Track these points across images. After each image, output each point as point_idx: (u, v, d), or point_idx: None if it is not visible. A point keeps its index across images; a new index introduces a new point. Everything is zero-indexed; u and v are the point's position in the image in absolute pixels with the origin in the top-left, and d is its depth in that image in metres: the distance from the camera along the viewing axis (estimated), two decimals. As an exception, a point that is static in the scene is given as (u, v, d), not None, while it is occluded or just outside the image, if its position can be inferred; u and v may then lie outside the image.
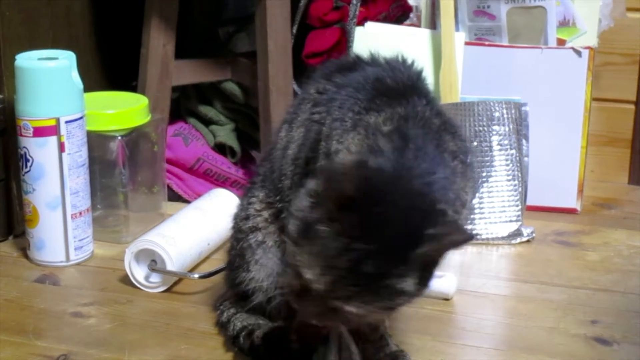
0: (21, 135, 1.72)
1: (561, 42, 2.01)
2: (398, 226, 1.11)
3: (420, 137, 1.20)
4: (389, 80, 1.30)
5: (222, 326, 1.50)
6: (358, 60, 1.41)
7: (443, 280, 1.61)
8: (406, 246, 1.11)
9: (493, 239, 1.89)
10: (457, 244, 1.13)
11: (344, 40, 2.02)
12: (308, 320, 1.20)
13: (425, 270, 1.14)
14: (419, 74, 1.35)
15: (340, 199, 1.10)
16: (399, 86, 1.29)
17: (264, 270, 1.40)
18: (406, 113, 1.24)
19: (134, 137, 1.86)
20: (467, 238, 1.12)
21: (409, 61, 1.37)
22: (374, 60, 1.39)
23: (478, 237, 1.88)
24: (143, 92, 2.01)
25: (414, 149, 1.18)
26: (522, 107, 1.92)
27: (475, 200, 1.88)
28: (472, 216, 1.88)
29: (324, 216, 1.11)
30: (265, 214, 1.42)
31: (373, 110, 1.25)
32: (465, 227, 1.18)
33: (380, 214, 1.11)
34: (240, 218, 1.46)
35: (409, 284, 1.12)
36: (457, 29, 1.98)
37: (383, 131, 1.21)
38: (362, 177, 1.11)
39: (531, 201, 1.96)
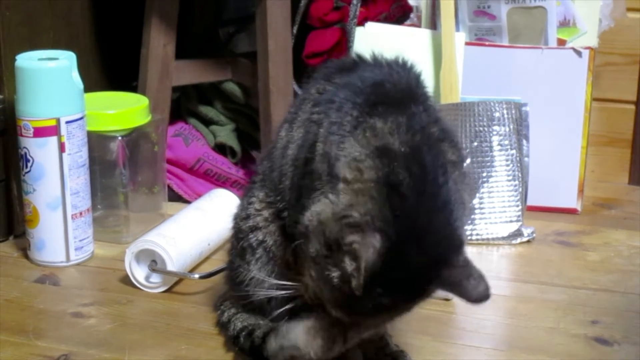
0: (21, 135, 1.73)
1: (561, 43, 2.01)
2: (417, 268, 1.17)
3: (431, 160, 1.20)
4: (388, 85, 1.29)
5: (222, 326, 1.50)
6: (359, 60, 1.40)
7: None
8: (422, 285, 1.20)
9: (493, 239, 1.89)
10: (473, 299, 1.19)
11: (345, 40, 2.03)
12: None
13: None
14: (417, 78, 1.35)
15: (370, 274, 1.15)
16: (397, 92, 1.28)
17: (264, 269, 1.40)
18: (410, 123, 1.22)
19: (134, 138, 1.86)
20: (482, 297, 1.19)
21: (409, 64, 1.37)
22: (375, 61, 1.39)
23: (479, 237, 1.88)
24: (143, 93, 2.01)
25: (430, 176, 1.19)
26: (522, 107, 1.92)
27: (475, 201, 1.88)
28: (471, 217, 1.88)
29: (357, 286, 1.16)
30: (265, 213, 1.42)
31: (376, 116, 1.24)
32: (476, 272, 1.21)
33: (401, 261, 1.16)
34: (241, 218, 1.46)
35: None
36: (457, 29, 1.98)
37: (394, 150, 1.20)
38: (376, 248, 1.14)
39: (531, 201, 1.96)
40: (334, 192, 1.19)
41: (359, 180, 1.18)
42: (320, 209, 1.20)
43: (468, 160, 1.89)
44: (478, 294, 1.18)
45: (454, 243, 1.18)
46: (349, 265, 1.15)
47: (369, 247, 1.13)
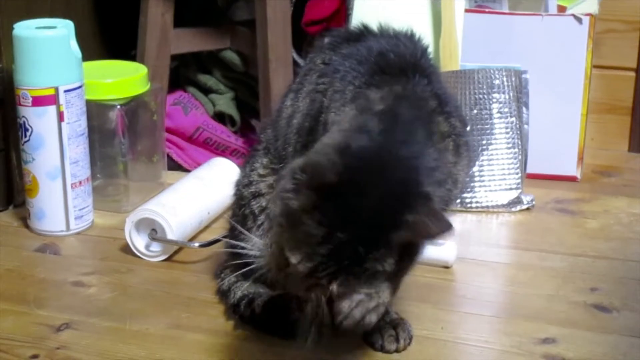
0: (20, 104, 1.72)
1: (562, 9, 2.00)
2: (377, 212, 1.12)
3: (410, 119, 1.20)
4: (392, 56, 1.29)
5: (222, 294, 1.51)
6: (366, 31, 1.40)
7: (443, 248, 1.61)
8: (384, 231, 1.12)
9: (493, 206, 1.89)
10: (432, 235, 1.14)
11: (344, 8, 2.02)
12: (294, 292, 1.22)
13: (407, 251, 1.16)
14: (423, 50, 1.35)
15: (321, 188, 1.11)
16: (401, 63, 1.29)
17: (265, 236, 1.41)
18: (403, 92, 1.23)
19: (133, 106, 1.86)
20: (443, 230, 1.12)
21: (416, 37, 1.37)
22: (382, 33, 1.38)
23: (478, 204, 1.88)
24: (142, 61, 2.01)
25: (402, 131, 1.18)
26: (522, 74, 1.92)
27: (475, 168, 1.88)
28: (470, 185, 1.88)
29: (306, 205, 1.12)
30: (270, 179, 1.42)
31: (373, 86, 1.24)
32: (463, 205, 1.17)
33: (360, 201, 1.12)
34: (243, 185, 1.46)
35: (389, 264, 1.14)
36: (457, -4, 1.97)
37: (374, 110, 1.20)
38: (343, 165, 1.11)
39: (531, 169, 1.96)
40: None
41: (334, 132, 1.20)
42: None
43: (467, 128, 1.89)
44: (439, 230, 1.13)
45: (414, 192, 1.15)
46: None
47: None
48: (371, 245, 1.12)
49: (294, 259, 1.14)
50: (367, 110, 1.21)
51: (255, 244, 1.40)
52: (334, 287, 1.15)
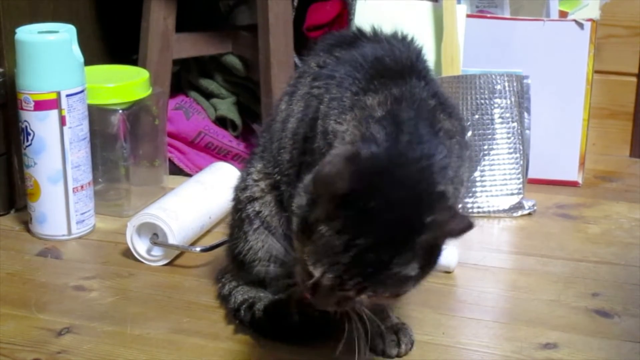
0: (22, 109, 1.72)
1: (563, 15, 2.01)
2: (396, 216, 1.11)
3: (413, 120, 1.19)
4: (388, 60, 1.29)
5: (223, 299, 1.51)
6: (359, 34, 1.40)
7: (444, 253, 1.60)
8: (406, 234, 1.11)
9: (494, 211, 1.89)
10: (454, 234, 1.12)
11: (345, 13, 2.02)
12: (324, 309, 1.19)
13: (429, 253, 1.14)
14: (418, 52, 1.34)
15: (335, 198, 1.10)
16: (397, 66, 1.28)
17: (261, 240, 1.41)
18: (400, 95, 1.22)
19: (135, 111, 1.86)
20: (464, 228, 1.11)
21: (409, 38, 1.37)
22: (375, 36, 1.38)
23: (480, 209, 1.88)
24: (144, 66, 2.01)
25: (408, 132, 1.17)
26: (523, 79, 1.92)
27: (476, 174, 1.88)
28: (472, 190, 1.88)
29: (322, 215, 1.11)
30: (262, 184, 1.43)
31: (371, 92, 1.24)
32: (465, 209, 1.16)
33: (377, 206, 1.10)
34: (240, 189, 1.47)
35: (413, 268, 1.12)
36: (458, 1, 1.97)
37: (375, 117, 1.20)
38: (355, 172, 1.09)
39: (533, 174, 1.96)
40: None
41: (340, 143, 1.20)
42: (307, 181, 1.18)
43: (469, 133, 1.89)
44: (460, 226, 1.12)
45: (430, 192, 1.14)
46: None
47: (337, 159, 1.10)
48: (394, 249, 1.10)
49: (317, 272, 1.13)
50: (368, 117, 1.20)
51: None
52: (363, 298, 1.13)
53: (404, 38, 1.36)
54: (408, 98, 1.22)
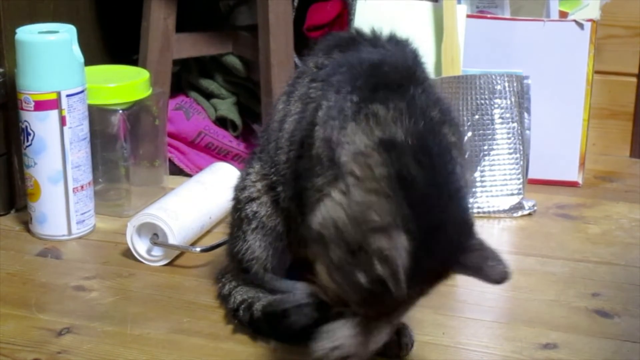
0: (22, 109, 1.72)
1: (563, 15, 2.01)
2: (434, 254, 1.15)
3: (438, 149, 1.19)
4: (385, 67, 1.28)
5: (223, 299, 1.51)
6: (358, 36, 1.40)
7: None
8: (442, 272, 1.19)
9: (494, 212, 1.89)
10: (488, 280, 1.17)
11: (345, 13, 2.02)
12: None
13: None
14: (414, 56, 1.34)
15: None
16: (395, 73, 1.27)
17: (259, 240, 1.42)
18: (412, 112, 1.20)
19: (135, 111, 1.86)
20: (503, 278, 1.17)
21: (404, 41, 1.36)
22: (374, 37, 1.38)
23: (480, 210, 1.88)
24: (144, 66, 2.01)
25: (439, 169, 1.18)
26: (524, 80, 1.92)
27: (476, 174, 1.88)
28: (472, 191, 1.88)
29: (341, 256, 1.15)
30: (259, 185, 1.43)
31: (376, 102, 1.21)
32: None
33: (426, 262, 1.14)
34: (239, 188, 1.48)
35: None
36: (458, 2, 1.97)
37: (404, 145, 1.17)
38: (407, 249, 1.11)
39: (533, 174, 1.96)
40: (340, 186, 1.17)
41: (370, 179, 1.15)
42: (334, 214, 1.16)
43: (469, 134, 1.89)
44: (498, 275, 1.16)
45: (467, 227, 1.18)
46: (380, 269, 1.10)
47: (400, 250, 1.09)
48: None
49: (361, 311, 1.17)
50: (392, 145, 1.18)
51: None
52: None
53: (399, 41, 1.36)
54: (416, 112, 1.21)
